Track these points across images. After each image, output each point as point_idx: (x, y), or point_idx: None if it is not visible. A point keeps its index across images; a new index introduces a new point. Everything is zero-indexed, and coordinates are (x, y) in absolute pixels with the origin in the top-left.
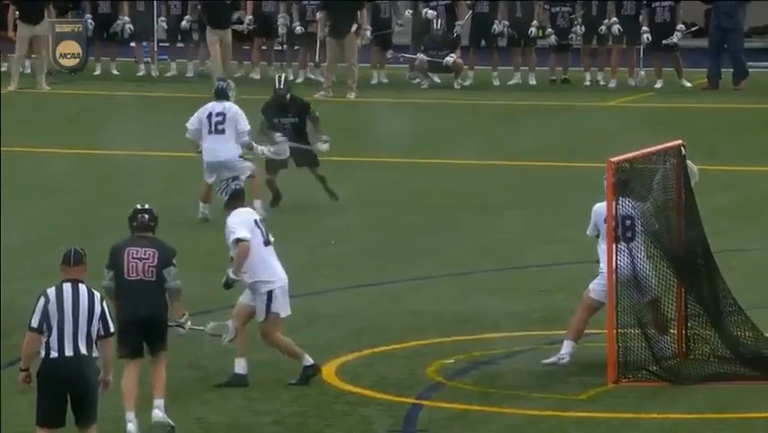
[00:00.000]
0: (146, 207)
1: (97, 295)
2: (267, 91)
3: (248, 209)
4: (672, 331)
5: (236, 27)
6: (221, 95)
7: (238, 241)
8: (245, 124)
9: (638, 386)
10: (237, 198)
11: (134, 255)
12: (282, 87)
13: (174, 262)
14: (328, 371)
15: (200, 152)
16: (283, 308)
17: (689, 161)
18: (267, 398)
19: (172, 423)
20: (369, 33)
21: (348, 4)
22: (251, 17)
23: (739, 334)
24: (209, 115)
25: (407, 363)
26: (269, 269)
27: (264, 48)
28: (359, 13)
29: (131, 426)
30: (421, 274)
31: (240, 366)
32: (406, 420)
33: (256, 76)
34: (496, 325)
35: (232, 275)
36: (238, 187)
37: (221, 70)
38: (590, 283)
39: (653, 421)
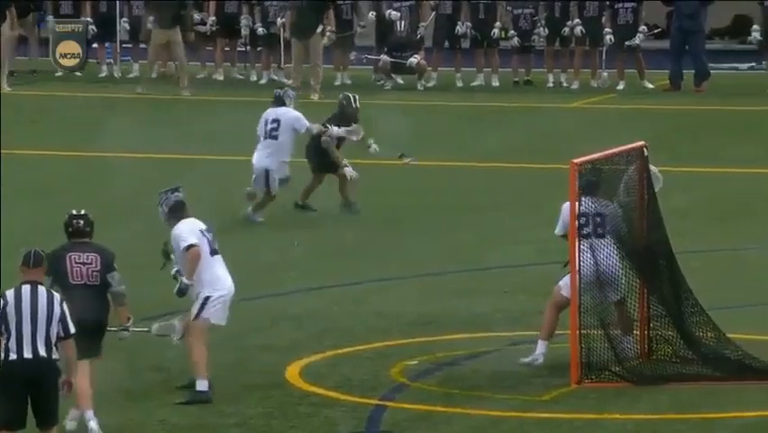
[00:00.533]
0: (81, 212)
1: (57, 297)
2: (231, 92)
3: (193, 219)
4: (635, 332)
5: (199, 28)
6: (277, 101)
7: (189, 247)
8: (303, 124)
9: (601, 387)
10: (177, 210)
11: (77, 260)
12: (356, 106)
13: (115, 266)
14: (292, 372)
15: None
16: (215, 315)
17: (653, 168)
18: (231, 399)
19: None
20: (333, 35)
21: (313, 4)
22: (213, 18)
23: (701, 334)
24: (265, 122)
25: (371, 364)
26: (214, 279)
27: (227, 49)
28: (324, 14)
29: (92, 423)
30: (385, 275)
31: (202, 384)
32: (369, 421)
33: (219, 77)
34: (460, 326)
35: (185, 281)
36: (177, 199)
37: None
38: (560, 281)
39: (615, 422)
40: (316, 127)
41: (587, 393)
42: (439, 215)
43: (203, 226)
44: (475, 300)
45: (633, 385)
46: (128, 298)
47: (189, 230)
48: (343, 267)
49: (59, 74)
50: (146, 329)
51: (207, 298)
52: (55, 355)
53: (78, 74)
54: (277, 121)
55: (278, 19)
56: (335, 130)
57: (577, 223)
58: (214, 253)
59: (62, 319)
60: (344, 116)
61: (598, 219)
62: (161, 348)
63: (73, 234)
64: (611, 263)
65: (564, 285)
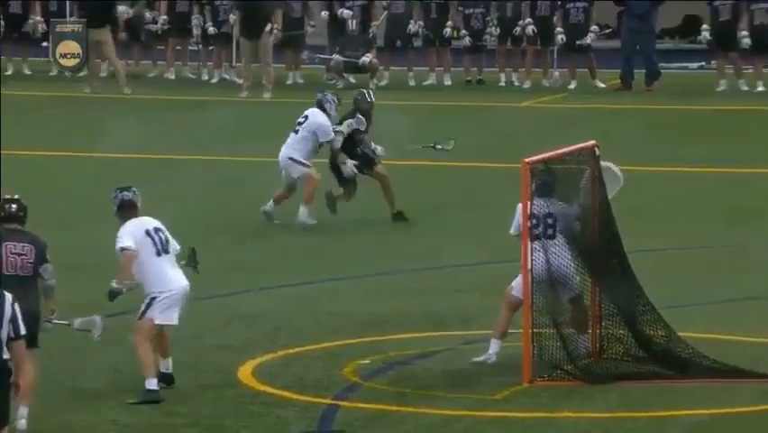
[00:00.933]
0: (15, 197)
1: (8, 297)
2: (183, 91)
3: (142, 219)
4: (588, 330)
5: (150, 27)
6: (317, 104)
7: (122, 250)
8: (326, 134)
9: (553, 385)
10: (123, 209)
11: (12, 251)
12: (370, 101)
13: (48, 257)
14: (245, 372)
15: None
16: (161, 315)
17: (615, 167)
18: (182, 399)
19: None
20: (279, 33)
21: (262, 4)
22: (165, 17)
23: (652, 333)
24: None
25: (324, 363)
26: (161, 279)
27: (179, 48)
28: (274, 13)
29: (23, 422)
30: (338, 275)
31: (151, 383)
32: (322, 421)
33: (171, 76)
34: (412, 325)
35: (114, 285)
36: (125, 198)
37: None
38: (513, 281)
39: (567, 420)
40: (337, 141)
41: (539, 392)
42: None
43: (152, 226)
44: (428, 300)
45: (585, 384)
46: (56, 291)
47: (129, 231)
48: (296, 267)
49: (9, 73)
50: (67, 322)
51: (153, 298)
52: (6, 356)
53: (67, 74)
54: (305, 117)
55: (231, 16)
56: (379, 149)
57: (529, 223)
58: (161, 253)
59: (13, 320)
60: (360, 113)
61: (550, 220)
62: (111, 348)
63: (5, 219)
64: (563, 263)
65: (516, 285)
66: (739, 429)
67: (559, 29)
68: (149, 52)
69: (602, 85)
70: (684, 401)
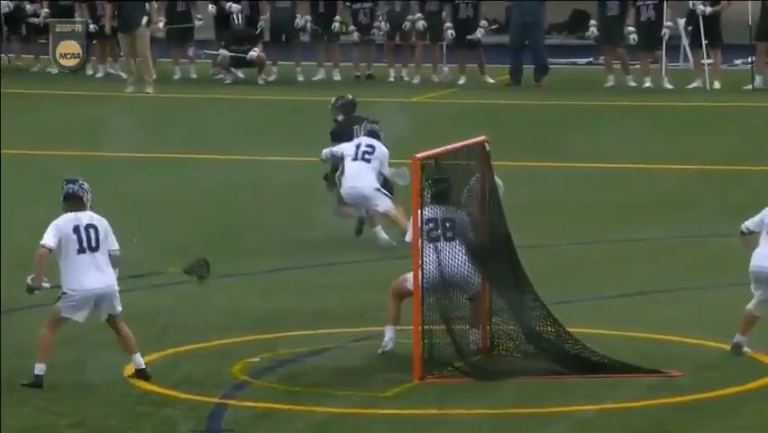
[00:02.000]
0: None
1: None
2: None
3: (78, 214)
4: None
5: (32, 20)
6: (371, 133)
7: (40, 246)
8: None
9: (444, 382)
10: (67, 201)
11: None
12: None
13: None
14: (131, 371)
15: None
16: (68, 310)
17: (497, 179)
18: (66, 399)
19: None
20: (161, 26)
21: None
22: (47, 11)
23: (542, 329)
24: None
25: (212, 361)
26: (74, 278)
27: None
28: (148, 5)
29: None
30: (228, 272)
31: (39, 368)
32: (210, 420)
33: (53, 70)
34: (303, 322)
35: (29, 281)
36: (68, 191)
37: None
38: (407, 273)
39: (458, 417)
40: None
41: (429, 389)
42: (285, 211)
43: (84, 222)
44: (319, 297)
45: (475, 380)
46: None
47: (57, 225)
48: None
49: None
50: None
51: (64, 293)
52: None
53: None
54: (372, 147)
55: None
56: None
57: (426, 227)
58: (85, 251)
59: None
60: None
61: (447, 224)
62: None
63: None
64: (458, 263)
65: (411, 277)
66: (625, 424)
67: (448, 24)
68: (33, 46)
69: (491, 80)
70: (573, 397)
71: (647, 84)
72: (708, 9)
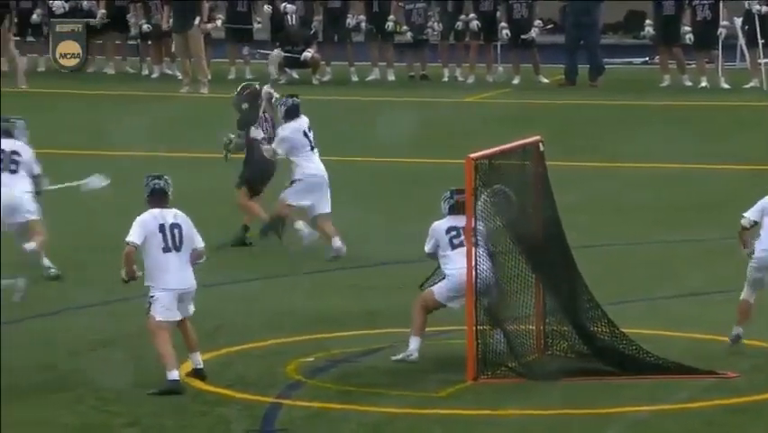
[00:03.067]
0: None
1: None
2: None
3: (163, 211)
4: (530, 327)
5: (89, 21)
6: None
7: (126, 243)
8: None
9: (497, 383)
10: (150, 196)
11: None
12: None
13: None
14: (185, 371)
15: None
16: (162, 312)
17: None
18: (121, 398)
19: None
20: (219, 23)
21: None
22: (103, 11)
23: (596, 329)
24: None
25: (266, 361)
26: (161, 276)
27: (118, 42)
28: (200, 6)
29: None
30: (274, 273)
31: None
32: (265, 420)
33: (110, 71)
34: (354, 322)
35: (122, 275)
36: (153, 187)
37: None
38: (433, 286)
39: (511, 417)
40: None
41: (483, 389)
42: (333, 210)
43: (170, 221)
44: (369, 297)
45: (528, 381)
46: None
47: (141, 223)
48: (229, 264)
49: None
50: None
51: (152, 296)
52: None
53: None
54: None
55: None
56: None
57: (448, 236)
58: (170, 249)
59: None
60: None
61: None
62: (51, 346)
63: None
64: (482, 269)
65: (438, 291)
66: (680, 425)
67: (503, 24)
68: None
69: (546, 80)
70: (627, 398)
71: (703, 84)
72: (765, 8)
